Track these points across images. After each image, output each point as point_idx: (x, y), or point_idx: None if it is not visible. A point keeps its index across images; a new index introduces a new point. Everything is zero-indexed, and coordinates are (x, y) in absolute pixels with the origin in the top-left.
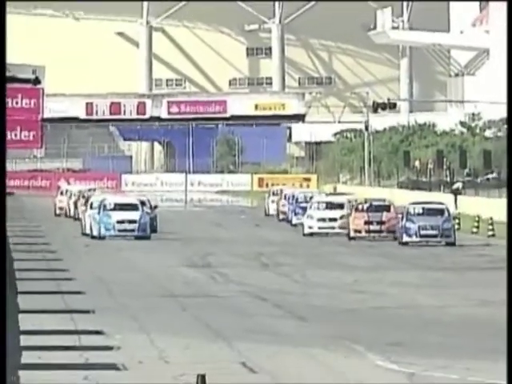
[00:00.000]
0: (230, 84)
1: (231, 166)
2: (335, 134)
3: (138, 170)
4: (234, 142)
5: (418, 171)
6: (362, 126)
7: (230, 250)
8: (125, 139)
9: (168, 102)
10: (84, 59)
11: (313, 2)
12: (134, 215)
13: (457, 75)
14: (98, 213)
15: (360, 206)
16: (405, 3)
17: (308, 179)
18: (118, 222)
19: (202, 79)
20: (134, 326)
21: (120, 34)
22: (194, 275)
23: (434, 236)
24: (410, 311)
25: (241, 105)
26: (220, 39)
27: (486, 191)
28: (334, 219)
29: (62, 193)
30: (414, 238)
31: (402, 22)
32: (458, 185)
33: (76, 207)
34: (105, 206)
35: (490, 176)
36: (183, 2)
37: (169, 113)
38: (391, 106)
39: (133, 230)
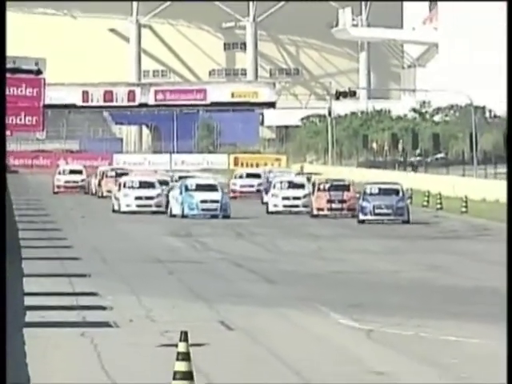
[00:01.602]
0: (209, 74)
1: (210, 147)
2: (302, 119)
3: (128, 151)
4: (213, 125)
5: (375, 152)
6: (326, 112)
7: (208, 221)
8: (116, 123)
9: (155, 91)
10: (80, 52)
11: (283, 3)
12: (215, 195)
13: (409, 67)
14: (180, 193)
15: (322, 186)
16: (363, 4)
17: (278, 159)
18: (202, 201)
19: (184, 70)
20: (125, 288)
21: (112, 30)
22: (178, 244)
23: (388, 214)
24: (368, 275)
25: (219, 93)
26: (200, 35)
27: (435, 169)
28: (298, 198)
29: (60, 172)
30: (369, 217)
31: (361, 20)
32: (417, 159)
33: (100, 185)
34: (186, 186)
35: (438, 156)
36: (168, 3)
37: (155, 100)
38: (351, 94)
39: (215, 210)
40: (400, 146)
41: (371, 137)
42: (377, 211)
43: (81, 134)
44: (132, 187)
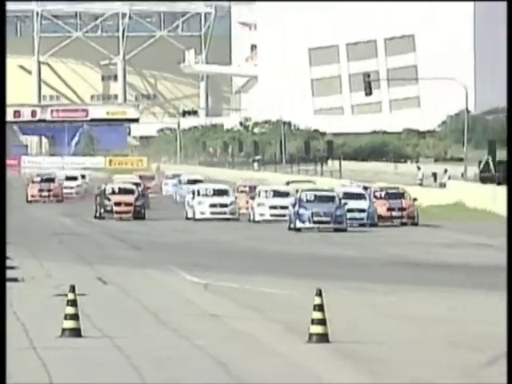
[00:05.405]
0: (90, 98)
1: (91, 152)
2: (158, 131)
3: (31, 154)
4: (93, 136)
5: (212, 154)
6: (176, 126)
7: (90, 206)
8: (23, 134)
9: (51, 110)
10: None
11: (146, 44)
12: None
13: (236, 93)
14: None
15: (378, 194)
16: (203, 46)
17: (141, 160)
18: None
19: (72, 95)
20: (28, 254)
21: (20, 66)
22: (68, 221)
23: (327, 222)
24: (211, 244)
25: (97, 112)
26: (84, 69)
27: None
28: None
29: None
30: (308, 224)
31: (201, 58)
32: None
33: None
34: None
35: (257, 157)
36: (62, 44)
37: (52, 117)
38: (194, 113)
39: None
40: (229, 150)
41: (208, 143)
42: (315, 219)
43: None
44: (206, 195)
